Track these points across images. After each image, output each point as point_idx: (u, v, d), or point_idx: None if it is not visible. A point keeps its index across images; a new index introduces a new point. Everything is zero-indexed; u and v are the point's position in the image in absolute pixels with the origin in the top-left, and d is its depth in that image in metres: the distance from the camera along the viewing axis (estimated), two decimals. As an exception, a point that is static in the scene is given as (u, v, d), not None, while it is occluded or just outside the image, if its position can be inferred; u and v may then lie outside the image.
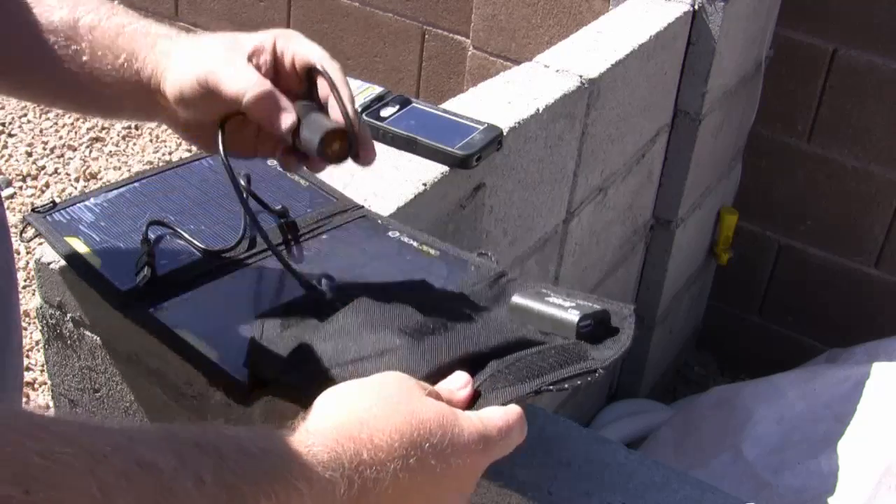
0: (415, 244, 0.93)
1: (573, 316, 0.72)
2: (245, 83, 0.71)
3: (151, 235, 0.87)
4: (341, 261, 0.89)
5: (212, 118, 0.75)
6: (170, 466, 0.43)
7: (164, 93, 0.75)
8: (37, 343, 2.31)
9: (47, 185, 2.86)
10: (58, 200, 0.92)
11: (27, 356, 2.30)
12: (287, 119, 0.72)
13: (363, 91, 1.21)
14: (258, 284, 0.86)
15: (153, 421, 0.90)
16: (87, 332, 0.94)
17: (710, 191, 2.11)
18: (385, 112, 1.17)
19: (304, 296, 0.81)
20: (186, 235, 0.88)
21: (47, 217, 0.89)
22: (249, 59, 0.74)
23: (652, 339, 2.12)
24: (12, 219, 2.72)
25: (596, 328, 0.73)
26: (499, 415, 0.62)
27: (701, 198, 2.06)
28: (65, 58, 0.76)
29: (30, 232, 0.89)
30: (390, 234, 0.95)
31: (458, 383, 0.66)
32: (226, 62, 0.73)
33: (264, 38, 0.76)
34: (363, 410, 0.55)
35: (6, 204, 2.80)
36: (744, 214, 2.25)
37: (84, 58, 0.76)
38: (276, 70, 0.75)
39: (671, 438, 1.94)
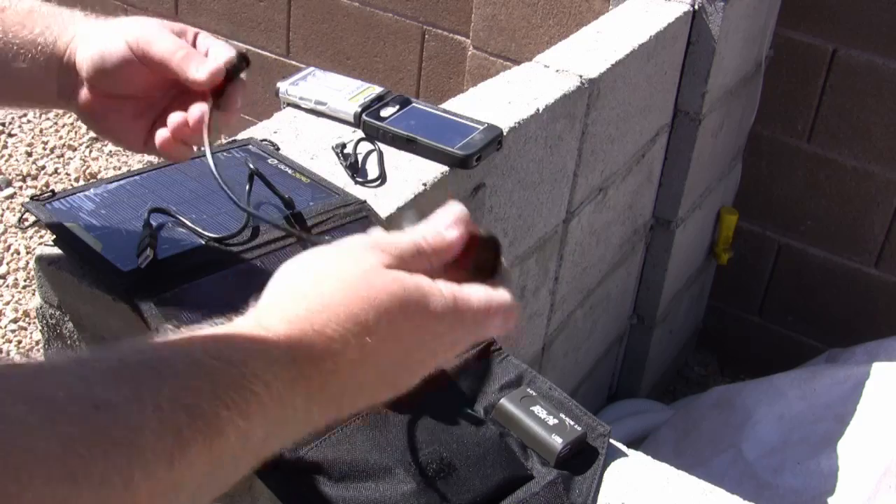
0: None
1: (556, 443, 0.79)
2: (176, 44, 0.75)
3: (153, 223, 0.87)
4: None
5: (127, 89, 0.77)
6: (126, 400, 0.42)
7: (80, 65, 0.76)
8: (37, 343, 2.31)
9: (47, 185, 2.86)
10: (57, 191, 0.92)
11: (27, 356, 2.30)
12: (207, 68, 0.75)
13: (363, 91, 1.21)
14: (257, 286, 0.86)
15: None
16: (87, 332, 0.93)
17: (710, 191, 2.11)
18: (385, 112, 1.17)
19: None
20: (188, 222, 0.88)
21: (46, 205, 0.89)
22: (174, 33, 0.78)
23: (652, 339, 2.12)
24: (12, 219, 2.72)
25: (574, 447, 0.80)
26: (479, 295, 0.57)
27: (701, 198, 2.06)
28: None
29: (29, 220, 0.89)
30: None
31: (446, 221, 0.59)
32: (156, 31, 0.76)
33: (188, 28, 0.79)
34: (316, 299, 0.53)
35: (6, 204, 2.80)
36: (744, 214, 2.25)
37: None
38: None
39: (671, 438, 1.94)
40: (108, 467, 0.40)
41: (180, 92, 0.78)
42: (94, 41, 0.76)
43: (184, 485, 0.44)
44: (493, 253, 0.61)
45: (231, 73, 0.76)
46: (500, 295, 0.59)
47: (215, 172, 0.80)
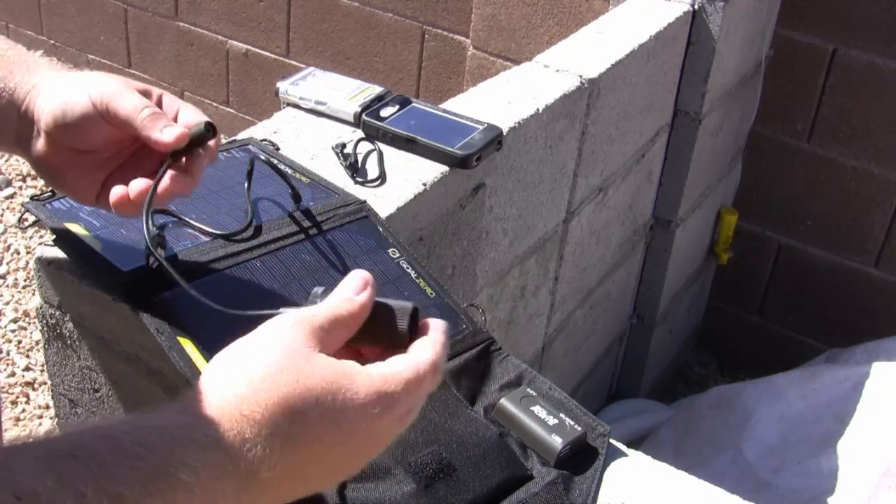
0: (412, 274, 0.93)
1: (556, 442, 0.79)
2: (140, 103, 0.74)
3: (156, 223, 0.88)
4: (335, 281, 0.89)
5: (86, 144, 0.76)
6: (48, 489, 0.42)
7: (38, 116, 0.75)
8: (37, 343, 2.31)
9: (47, 185, 2.86)
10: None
11: (27, 356, 2.30)
12: (175, 131, 0.73)
13: (363, 91, 1.21)
14: (261, 285, 0.86)
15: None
16: (87, 332, 0.93)
17: (710, 191, 2.11)
18: (385, 112, 1.17)
19: None
20: (192, 222, 0.88)
21: (46, 205, 0.89)
22: (139, 92, 0.77)
23: (652, 339, 2.12)
24: (12, 219, 2.72)
25: (574, 447, 0.80)
26: (407, 366, 0.56)
27: (701, 198, 2.06)
28: None
29: (29, 220, 0.89)
30: (390, 252, 0.94)
31: (355, 286, 0.59)
32: (120, 88, 0.75)
33: (152, 88, 0.78)
34: (245, 384, 0.52)
35: (6, 204, 2.80)
36: (744, 214, 2.25)
37: None
38: None
39: (671, 438, 1.94)
40: None
41: (138, 149, 0.78)
42: (55, 93, 0.75)
43: None
44: (410, 318, 0.60)
45: (196, 139, 0.75)
46: (424, 355, 0.57)
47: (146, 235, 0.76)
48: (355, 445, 0.54)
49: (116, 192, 0.75)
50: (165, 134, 0.73)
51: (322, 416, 0.52)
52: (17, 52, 0.79)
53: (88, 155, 0.77)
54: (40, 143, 0.77)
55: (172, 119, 0.76)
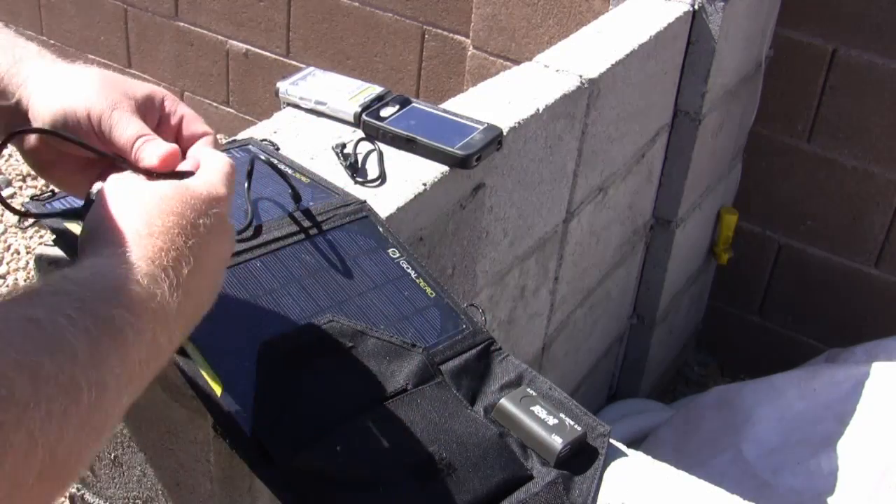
0: (412, 274, 0.93)
1: (556, 442, 0.79)
2: (135, 132, 0.73)
3: None
4: (334, 281, 0.89)
5: (80, 153, 0.75)
6: (46, 315, 0.54)
7: (35, 117, 0.73)
8: (37, 343, 2.31)
9: (47, 185, 2.86)
10: (57, 191, 0.92)
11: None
12: (161, 151, 0.73)
13: (363, 91, 1.21)
14: (261, 284, 0.86)
15: (155, 422, 0.90)
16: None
17: (710, 191, 2.11)
18: (385, 112, 1.17)
19: (306, 328, 0.82)
20: None
21: (46, 205, 0.89)
22: (139, 108, 0.75)
23: (652, 339, 2.12)
24: (12, 219, 2.72)
25: (574, 447, 0.80)
26: (219, 168, 0.71)
27: (701, 198, 2.06)
28: None
29: (29, 220, 0.89)
30: (390, 252, 0.94)
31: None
32: (120, 110, 0.73)
33: (154, 92, 0.77)
34: (133, 229, 0.64)
35: (6, 204, 2.79)
36: (744, 214, 2.25)
37: None
38: (158, 124, 0.77)
39: (671, 438, 1.94)
40: (50, 362, 0.51)
41: None
42: (52, 97, 0.73)
43: (109, 375, 0.56)
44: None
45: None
46: (219, 159, 0.72)
47: None
48: (227, 235, 0.70)
49: (97, 188, 0.75)
50: (152, 158, 0.72)
51: (195, 211, 0.66)
52: (3, 35, 0.77)
53: (81, 156, 0.76)
54: (32, 140, 0.76)
55: (175, 126, 0.76)
